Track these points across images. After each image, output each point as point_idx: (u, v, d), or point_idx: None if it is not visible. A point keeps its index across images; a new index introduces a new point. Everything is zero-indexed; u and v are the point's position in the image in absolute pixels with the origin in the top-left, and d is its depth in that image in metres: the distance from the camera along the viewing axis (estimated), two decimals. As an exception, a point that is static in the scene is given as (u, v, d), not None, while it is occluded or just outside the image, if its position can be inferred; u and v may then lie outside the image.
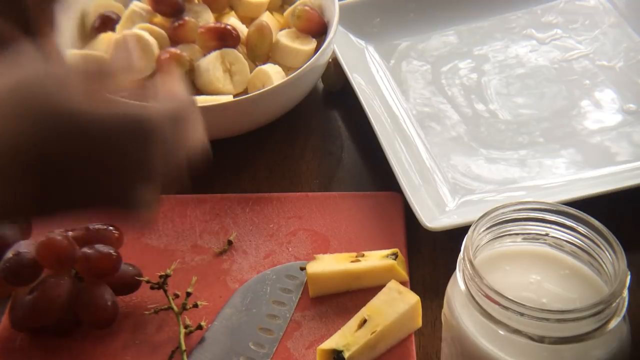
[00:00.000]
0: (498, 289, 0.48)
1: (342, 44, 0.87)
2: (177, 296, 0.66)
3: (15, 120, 0.47)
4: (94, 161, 0.50)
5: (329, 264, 0.67)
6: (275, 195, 0.76)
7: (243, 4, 0.85)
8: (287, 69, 0.82)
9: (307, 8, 0.83)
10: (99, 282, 0.65)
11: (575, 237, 0.52)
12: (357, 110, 0.80)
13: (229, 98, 0.78)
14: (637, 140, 0.78)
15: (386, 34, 0.91)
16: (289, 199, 0.76)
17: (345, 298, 0.67)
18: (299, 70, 0.77)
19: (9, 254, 0.64)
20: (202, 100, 0.77)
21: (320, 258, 0.68)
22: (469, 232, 0.51)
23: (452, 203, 0.73)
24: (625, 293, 0.48)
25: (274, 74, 0.79)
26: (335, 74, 0.86)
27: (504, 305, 0.47)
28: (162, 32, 0.83)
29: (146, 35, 0.81)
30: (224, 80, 0.80)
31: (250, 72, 0.81)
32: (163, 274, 0.67)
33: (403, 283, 0.66)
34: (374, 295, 0.64)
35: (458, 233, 0.56)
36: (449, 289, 0.54)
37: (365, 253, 0.68)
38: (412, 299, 0.64)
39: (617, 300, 0.47)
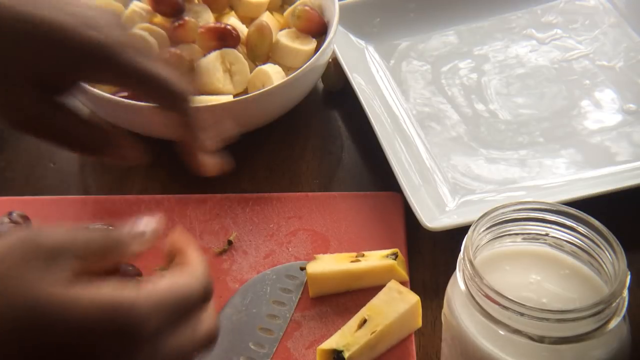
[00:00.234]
0: (498, 289, 0.48)
1: (342, 44, 0.87)
2: (177, 296, 0.66)
3: None
4: None
5: (329, 264, 0.67)
6: (275, 195, 0.76)
7: (243, 4, 0.85)
8: (287, 69, 0.82)
9: (307, 8, 0.83)
10: (99, 282, 0.65)
11: (575, 237, 0.52)
12: (357, 110, 0.80)
13: (229, 98, 0.78)
14: (637, 140, 0.78)
15: (386, 34, 0.91)
16: (289, 199, 0.76)
17: (345, 298, 0.67)
18: (299, 70, 0.77)
19: (9, 254, 0.64)
20: (202, 100, 0.76)
21: (320, 258, 0.68)
22: (469, 232, 0.51)
23: (452, 203, 0.73)
24: (625, 293, 0.48)
25: (274, 74, 0.79)
26: (335, 74, 0.86)
27: (504, 305, 0.47)
28: (162, 32, 0.83)
29: (146, 35, 0.81)
30: (224, 80, 0.80)
31: (250, 72, 0.81)
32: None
33: (403, 283, 0.66)
34: (374, 295, 0.64)
35: (458, 233, 0.56)
36: (449, 289, 0.54)
37: (365, 253, 0.68)
38: (412, 299, 0.64)
39: (617, 300, 0.47)
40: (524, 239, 0.54)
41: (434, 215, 0.71)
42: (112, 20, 0.58)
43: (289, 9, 0.86)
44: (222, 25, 0.82)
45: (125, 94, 0.79)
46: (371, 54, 0.89)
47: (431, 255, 0.71)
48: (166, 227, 0.73)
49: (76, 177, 0.81)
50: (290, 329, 0.66)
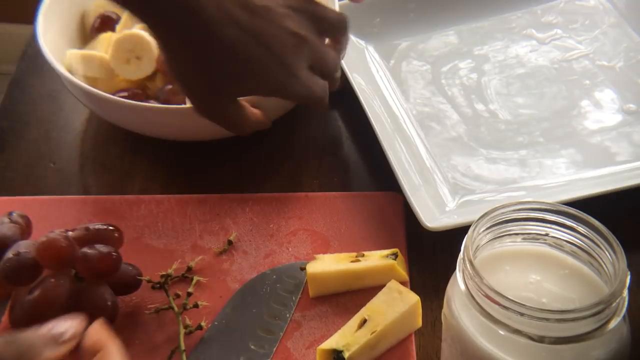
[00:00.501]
0: (498, 289, 0.48)
1: (342, 44, 0.87)
2: (177, 296, 0.66)
3: None
4: None
5: (329, 264, 0.67)
6: (275, 195, 0.76)
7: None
8: None
9: None
10: (99, 282, 0.65)
11: (575, 237, 0.52)
12: (357, 110, 0.80)
13: None
14: (637, 140, 0.78)
15: (386, 34, 0.91)
16: (289, 199, 0.76)
17: (345, 298, 0.67)
18: None
19: (9, 254, 0.64)
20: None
21: (320, 258, 0.68)
22: (469, 232, 0.51)
23: (452, 203, 0.73)
24: (625, 293, 0.48)
25: None
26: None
27: (504, 305, 0.47)
28: None
29: (146, 35, 0.81)
30: None
31: None
32: (164, 273, 0.67)
33: (403, 283, 0.66)
34: (374, 295, 0.64)
35: (458, 233, 0.56)
36: (449, 289, 0.54)
37: (365, 253, 0.68)
38: (412, 299, 0.64)
39: (617, 300, 0.47)
40: (524, 239, 0.54)
41: (434, 215, 0.71)
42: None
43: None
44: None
45: (126, 93, 0.79)
46: (371, 54, 0.89)
47: (431, 255, 0.71)
48: (166, 228, 0.74)
49: (76, 177, 0.81)
50: (290, 329, 0.66)
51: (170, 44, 0.67)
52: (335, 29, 0.75)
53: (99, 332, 0.49)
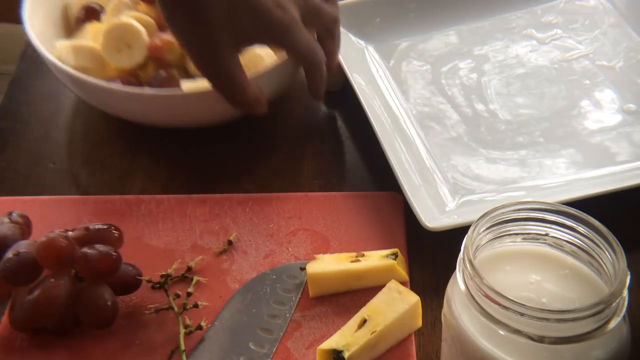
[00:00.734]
0: (498, 289, 0.48)
1: (342, 44, 0.87)
2: (177, 296, 0.66)
3: None
4: None
5: (329, 264, 0.67)
6: (275, 195, 0.76)
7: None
8: (275, 51, 0.83)
9: None
10: (99, 282, 0.65)
11: (575, 237, 0.52)
12: (357, 110, 0.80)
13: None
14: (637, 140, 0.78)
15: (386, 34, 0.91)
16: (289, 199, 0.76)
17: (345, 298, 0.67)
18: None
19: (9, 254, 0.64)
20: (197, 86, 0.77)
21: (320, 258, 0.68)
22: (469, 232, 0.51)
23: (452, 203, 0.73)
24: (625, 293, 0.48)
25: (266, 56, 0.80)
26: (335, 74, 0.86)
27: (504, 305, 0.47)
28: (149, 19, 0.83)
29: (135, 23, 0.81)
30: None
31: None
32: (164, 273, 0.67)
33: (403, 283, 0.66)
34: (374, 295, 0.64)
35: (458, 233, 0.56)
36: (449, 289, 0.54)
37: (365, 253, 0.68)
38: (412, 299, 0.64)
39: (617, 300, 0.47)
40: (524, 239, 0.54)
41: (434, 215, 0.71)
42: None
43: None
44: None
45: (119, 82, 0.79)
46: (371, 54, 0.89)
47: (431, 255, 0.71)
48: (166, 228, 0.74)
49: (76, 177, 0.81)
50: (290, 329, 0.66)
51: None
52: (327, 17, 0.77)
53: None
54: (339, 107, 0.87)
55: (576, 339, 0.47)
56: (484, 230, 0.52)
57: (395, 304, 0.63)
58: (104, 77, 0.80)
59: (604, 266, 0.51)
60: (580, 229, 0.52)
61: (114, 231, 0.68)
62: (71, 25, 0.88)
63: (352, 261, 0.67)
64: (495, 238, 0.53)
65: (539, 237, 0.53)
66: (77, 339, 0.65)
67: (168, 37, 0.80)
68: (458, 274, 0.51)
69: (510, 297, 0.47)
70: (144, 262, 0.69)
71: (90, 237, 0.66)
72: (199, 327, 0.65)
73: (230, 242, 0.72)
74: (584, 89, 0.84)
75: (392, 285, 0.65)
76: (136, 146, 0.83)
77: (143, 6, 0.85)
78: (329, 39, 0.78)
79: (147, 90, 0.78)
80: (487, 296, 0.48)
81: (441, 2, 0.92)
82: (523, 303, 0.47)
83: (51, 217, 0.74)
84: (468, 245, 0.50)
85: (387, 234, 0.72)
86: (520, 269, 0.53)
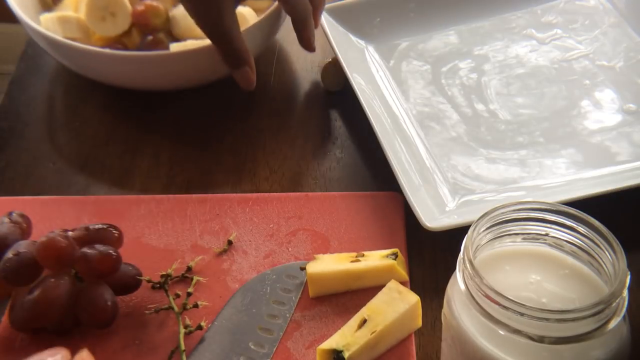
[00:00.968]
0: (498, 289, 0.48)
1: (342, 44, 0.87)
2: (177, 296, 0.66)
3: None
4: None
5: (329, 264, 0.67)
6: (275, 195, 0.76)
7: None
8: (256, 10, 0.85)
9: None
10: (99, 282, 0.65)
11: (575, 237, 0.52)
12: (357, 110, 0.80)
13: (209, 41, 0.80)
14: (637, 140, 0.78)
15: (386, 34, 0.91)
16: (289, 199, 0.76)
17: (345, 298, 0.67)
18: (271, 8, 0.82)
19: (9, 254, 0.64)
20: (184, 46, 0.79)
21: (320, 258, 0.68)
22: (469, 232, 0.51)
23: (452, 203, 0.73)
24: (625, 293, 0.48)
25: (248, 15, 0.83)
26: (335, 74, 0.86)
27: (504, 305, 0.47)
28: None
29: None
30: None
31: None
32: (164, 273, 0.67)
33: (403, 283, 0.66)
34: (374, 295, 0.64)
35: (458, 233, 0.56)
36: (449, 289, 0.54)
37: (365, 253, 0.68)
38: (412, 299, 0.64)
39: (617, 300, 0.47)
40: (524, 239, 0.54)
41: (434, 215, 0.71)
42: None
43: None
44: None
45: (108, 49, 0.80)
46: (371, 54, 0.89)
47: (431, 255, 0.71)
48: (166, 228, 0.74)
49: (76, 177, 0.81)
50: (290, 329, 0.66)
51: None
52: None
53: None
54: (339, 107, 0.87)
55: (576, 339, 0.47)
56: (484, 230, 0.52)
57: (395, 304, 0.63)
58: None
59: (604, 266, 0.51)
60: (580, 229, 0.52)
61: (113, 231, 0.68)
62: (47, 2, 0.89)
63: (352, 261, 0.67)
64: (495, 238, 0.53)
65: (539, 237, 0.53)
66: (77, 339, 0.65)
67: (152, 2, 0.81)
68: (458, 274, 0.51)
69: (510, 297, 0.47)
70: (144, 262, 0.69)
71: (90, 237, 0.66)
72: (199, 327, 0.65)
73: (230, 242, 0.72)
74: (584, 89, 0.84)
75: (392, 285, 0.65)
76: (136, 146, 0.83)
77: None
78: None
79: (140, 53, 0.80)
80: (487, 296, 0.48)
81: (441, 2, 0.92)
82: (523, 303, 0.47)
83: (51, 217, 0.74)
84: (468, 245, 0.50)
85: (387, 234, 0.72)
86: (520, 269, 0.53)
